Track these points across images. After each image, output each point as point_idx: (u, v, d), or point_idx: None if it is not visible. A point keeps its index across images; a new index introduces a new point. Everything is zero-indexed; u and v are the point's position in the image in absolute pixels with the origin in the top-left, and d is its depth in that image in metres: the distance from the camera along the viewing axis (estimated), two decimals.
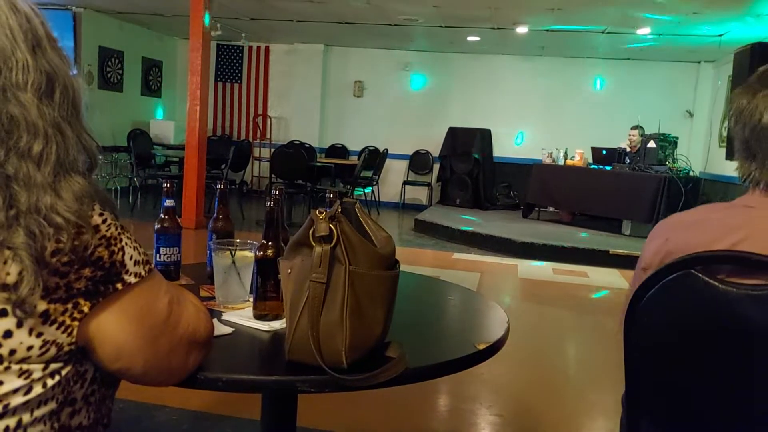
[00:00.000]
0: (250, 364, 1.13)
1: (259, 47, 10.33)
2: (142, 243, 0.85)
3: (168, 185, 1.54)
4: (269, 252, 1.27)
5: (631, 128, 8.11)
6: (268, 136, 10.27)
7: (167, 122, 9.23)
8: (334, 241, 1.01)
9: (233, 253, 1.37)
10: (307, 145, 9.71)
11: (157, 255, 1.53)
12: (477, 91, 9.99)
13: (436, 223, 7.66)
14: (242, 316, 1.28)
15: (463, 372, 1.13)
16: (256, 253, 1.29)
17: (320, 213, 1.02)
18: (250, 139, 10.10)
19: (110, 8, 8.41)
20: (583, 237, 7.13)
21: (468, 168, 9.43)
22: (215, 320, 1.23)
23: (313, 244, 1.01)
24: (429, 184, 10.13)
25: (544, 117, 9.84)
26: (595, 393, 3.16)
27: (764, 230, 1.06)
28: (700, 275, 1.06)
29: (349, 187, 8.27)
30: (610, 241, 6.92)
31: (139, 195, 8.30)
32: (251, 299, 1.33)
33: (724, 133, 8.39)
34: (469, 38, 8.69)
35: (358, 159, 8.87)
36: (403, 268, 1.14)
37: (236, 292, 1.38)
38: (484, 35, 8.42)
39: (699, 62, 9.37)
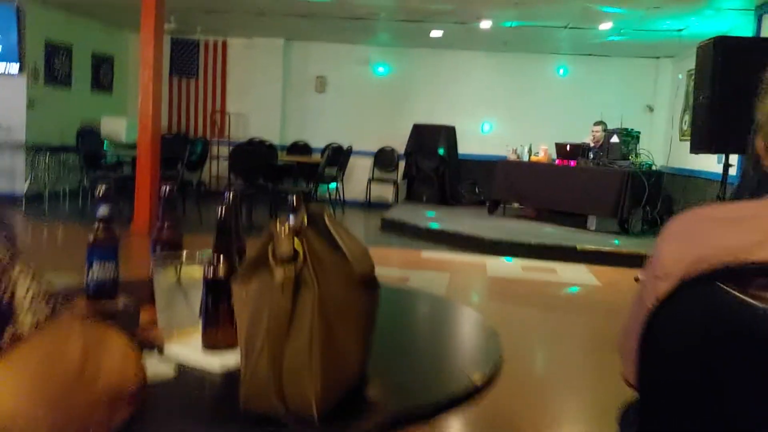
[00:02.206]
0: (195, 417, 0.90)
1: (216, 41, 9.98)
2: None
3: (102, 189, 1.32)
4: (220, 270, 1.07)
5: (594, 124, 8.12)
6: (226, 134, 9.94)
7: (119, 119, 8.79)
8: (300, 261, 0.82)
9: (178, 269, 1.17)
10: (268, 143, 9.43)
11: (90, 272, 1.31)
12: (441, 87, 9.87)
13: (403, 221, 7.50)
14: (189, 347, 1.08)
15: None
16: (204, 272, 1.08)
17: (282, 225, 0.83)
18: (208, 137, 9.75)
19: (56, 0, 7.98)
20: (550, 233, 7.06)
21: (434, 165, 9.31)
22: (155, 358, 1.03)
23: (274, 266, 0.82)
24: (395, 182, 9.97)
25: (509, 113, 9.79)
26: (567, 392, 3.04)
27: None
28: (729, 290, 0.89)
29: (312, 185, 8.04)
30: (577, 237, 6.88)
31: (89, 197, 7.90)
32: (201, 323, 1.12)
33: (685, 127, 8.45)
34: (433, 33, 8.54)
35: (322, 156, 8.64)
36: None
37: (182, 315, 1.17)
38: (447, 30, 8.29)
39: (658, 57, 9.45)
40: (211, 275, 1.08)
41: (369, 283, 0.90)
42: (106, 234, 1.32)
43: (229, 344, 1.05)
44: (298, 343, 0.82)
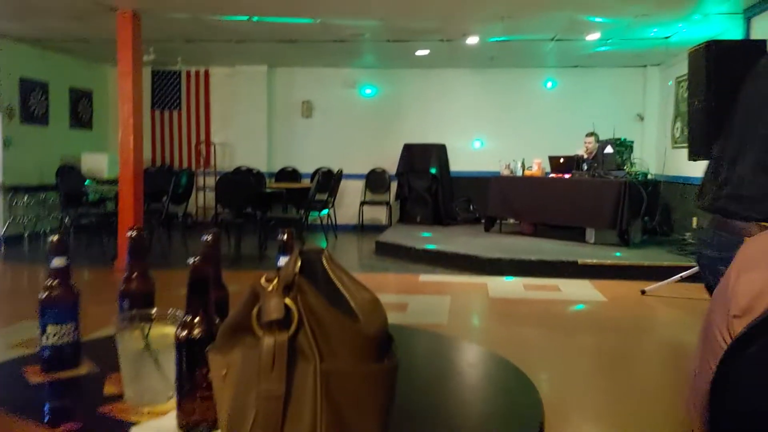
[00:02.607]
0: None
1: (198, 71, 9.82)
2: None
3: (55, 240, 1.11)
4: (195, 332, 0.86)
5: (586, 135, 8.01)
6: (212, 164, 9.74)
7: (100, 155, 8.59)
8: (294, 325, 0.61)
9: (146, 331, 0.96)
10: (255, 171, 9.23)
11: (44, 336, 1.10)
12: (429, 105, 9.74)
13: (398, 244, 7.29)
14: (162, 429, 0.87)
15: None
16: (177, 334, 0.87)
17: (268, 281, 0.62)
18: (193, 168, 9.54)
19: (30, 36, 7.79)
20: (550, 248, 6.88)
21: (426, 184, 9.14)
22: None
23: (259, 333, 0.62)
24: (387, 203, 9.78)
25: (499, 129, 9.66)
26: (586, 420, 2.83)
27: None
28: None
29: (303, 212, 7.83)
30: (577, 251, 6.70)
31: (71, 236, 7.63)
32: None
33: (677, 135, 8.35)
34: (418, 52, 8.42)
35: (311, 182, 8.45)
36: None
37: (154, 387, 0.96)
38: (433, 48, 8.17)
39: (645, 66, 9.37)
40: (184, 336, 0.87)
41: (383, 345, 0.69)
42: (62, 290, 1.12)
43: (212, 422, 0.85)
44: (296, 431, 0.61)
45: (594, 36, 7.38)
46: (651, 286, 5.40)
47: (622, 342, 4.20)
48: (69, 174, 7.60)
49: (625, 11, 6.31)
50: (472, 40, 7.59)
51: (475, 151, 9.77)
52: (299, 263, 0.70)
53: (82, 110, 9.37)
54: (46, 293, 1.11)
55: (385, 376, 0.67)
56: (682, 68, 6.71)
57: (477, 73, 9.64)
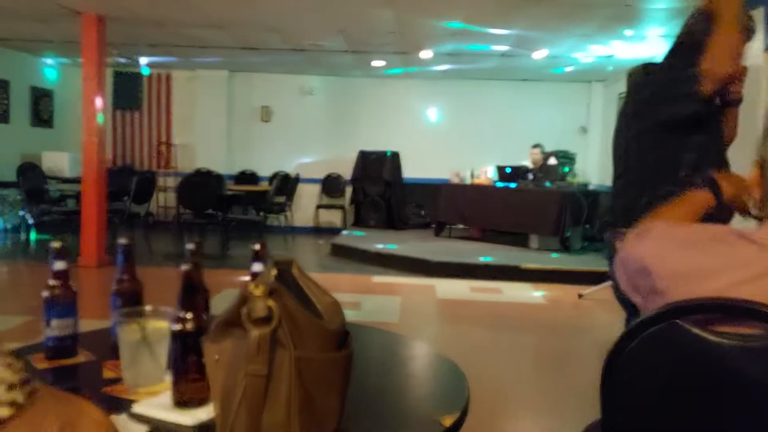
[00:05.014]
0: None
1: (159, 74, 9.88)
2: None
3: (58, 246, 1.32)
4: (188, 325, 1.10)
5: (532, 146, 8.39)
6: (173, 165, 9.81)
7: (61, 154, 8.58)
8: (274, 322, 0.85)
9: (142, 324, 1.19)
10: (215, 173, 9.36)
11: (48, 328, 1.31)
12: (385, 114, 10.02)
13: (353, 246, 7.55)
14: (159, 404, 1.07)
15: None
16: (172, 327, 1.11)
17: (256, 287, 0.87)
18: (154, 169, 9.60)
19: None
20: (495, 253, 7.23)
21: (380, 190, 9.43)
22: (124, 416, 1.04)
23: (248, 326, 0.86)
24: (343, 207, 10.02)
25: (451, 138, 9.97)
26: (528, 415, 3.13)
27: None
28: (686, 326, 0.97)
29: (262, 214, 8.02)
30: (521, 256, 7.06)
31: (32, 233, 7.63)
32: (168, 379, 1.14)
33: None
34: (374, 63, 8.70)
35: (269, 185, 8.62)
36: None
37: (149, 371, 1.18)
38: (388, 60, 8.47)
39: (590, 82, 9.84)
40: (180, 329, 1.09)
41: (342, 338, 0.92)
42: (64, 290, 1.30)
43: (201, 399, 1.06)
44: (275, 406, 0.84)
45: (542, 53, 7.78)
46: (588, 290, 5.75)
47: (558, 341, 4.55)
48: (30, 172, 7.60)
49: (569, 31, 6.71)
50: (426, 54, 7.92)
51: (426, 158, 9.97)
52: (276, 271, 0.94)
53: (42, 109, 9.33)
54: (49, 292, 1.30)
55: (343, 362, 0.90)
56: (623, 85, 7.14)
57: (430, 84, 9.98)
